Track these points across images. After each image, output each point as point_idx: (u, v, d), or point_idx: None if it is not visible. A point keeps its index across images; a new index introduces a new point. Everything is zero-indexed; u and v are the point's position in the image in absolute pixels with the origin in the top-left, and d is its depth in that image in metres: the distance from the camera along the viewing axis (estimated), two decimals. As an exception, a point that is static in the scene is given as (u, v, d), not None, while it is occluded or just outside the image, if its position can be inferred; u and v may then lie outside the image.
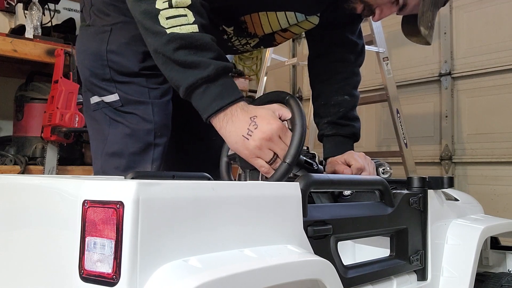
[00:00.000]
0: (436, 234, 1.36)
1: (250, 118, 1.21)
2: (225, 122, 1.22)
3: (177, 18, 1.23)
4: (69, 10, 3.54)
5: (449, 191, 1.55)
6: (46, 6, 3.04)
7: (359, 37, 1.84)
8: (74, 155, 3.00)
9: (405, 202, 1.27)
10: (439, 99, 3.65)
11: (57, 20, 3.26)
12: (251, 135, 1.20)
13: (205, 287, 0.70)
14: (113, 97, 1.55)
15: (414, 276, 1.30)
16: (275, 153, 1.19)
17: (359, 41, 1.84)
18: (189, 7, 1.25)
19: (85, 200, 0.73)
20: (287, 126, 1.21)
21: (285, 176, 1.16)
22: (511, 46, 3.29)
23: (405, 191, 1.30)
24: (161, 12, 1.24)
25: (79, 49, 1.66)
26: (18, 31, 2.89)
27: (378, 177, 1.33)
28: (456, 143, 3.55)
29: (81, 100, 2.86)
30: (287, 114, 1.23)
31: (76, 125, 2.72)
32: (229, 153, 1.35)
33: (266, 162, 1.20)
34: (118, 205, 0.69)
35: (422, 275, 1.31)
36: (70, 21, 3.35)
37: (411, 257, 1.27)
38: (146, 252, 0.70)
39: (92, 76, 1.58)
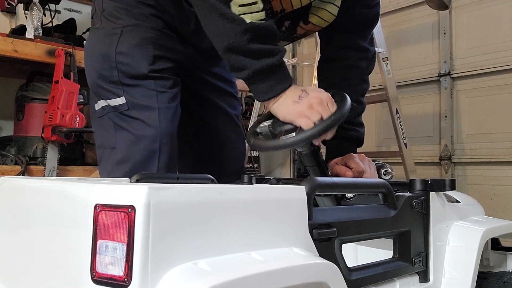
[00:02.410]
0: (438, 236, 1.37)
1: (301, 90, 1.34)
2: (279, 98, 1.34)
3: (249, 6, 1.27)
4: (70, 11, 3.54)
5: (450, 192, 1.55)
6: (47, 7, 3.05)
7: (371, 43, 1.82)
8: (74, 155, 3.01)
9: (407, 204, 1.28)
10: (438, 99, 3.66)
11: (58, 20, 3.27)
12: (302, 100, 1.31)
13: (215, 290, 0.71)
14: (119, 101, 1.54)
15: (416, 278, 1.31)
16: (321, 117, 1.29)
17: (371, 48, 1.81)
18: None
19: (96, 204, 0.74)
20: None
21: (328, 129, 1.29)
22: (511, 46, 3.30)
23: (408, 194, 1.31)
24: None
25: (88, 51, 1.66)
26: (18, 32, 2.90)
27: (381, 180, 1.34)
28: (455, 143, 3.56)
29: (82, 100, 2.87)
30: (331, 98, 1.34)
31: (77, 125, 2.73)
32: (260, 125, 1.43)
33: (312, 121, 1.29)
34: (129, 209, 0.70)
35: (424, 276, 1.32)
36: (71, 21, 3.36)
37: (413, 259, 1.28)
38: (157, 255, 0.71)
39: (100, 78, 1.58)
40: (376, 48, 3.27)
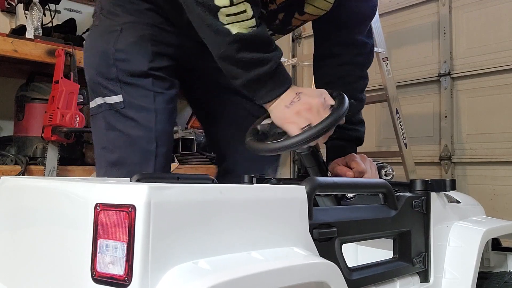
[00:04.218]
0: (438, 236, 1.36)
1: (296, 93, 1.32)
2: (273, 103, 1.33)
3: (237, 15, 1.25)
4: (70, 11, 3.55)
5: (450, 193, 1.55)
6: (47, 7, 3.04)
7: (368, 36, 1.76)
8: (74, 155, 3.01)
9: (408, 204, 1.28)
10: (438, 99, 3.66)
11: (58, 20, 3.27)
12: (292, 105, 1.29)
13: (215, 289, 0.71)
14: (116, 98, 1.54)
15: (416, 278, 1.30)
16: (309, 124, 1.27)
17: (369, 41, 1.76)
18: (248, 0, 1.26)
19: (97, 204, 0.74)
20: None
21: (310, 139, 1.26)
22: (511, 46, 3.31)
23: (408, 194, 1.31)
24: (221, 9, 1.24)
25: (87, 48, 1.67)
26: (18, 32, 2.89)
27: (382, 180, 1.34)
28: (455, 143, 3.57)
29: (82, 100, 2.87)
30: (330, 100, 1.33)
31: (77, 125, 2.72)
32: (262, 123, 1.43)
33: (299, 128, 1.28)
34: (130, 209, 0.70)
35: (424, 277, 1.32)
36: (71, 21, 3.36)
37: (414, 259, 1.28)
38: (157, 254, 0.71)
39: (98, 75, 1.58)
40: (376, 48, 3.29)
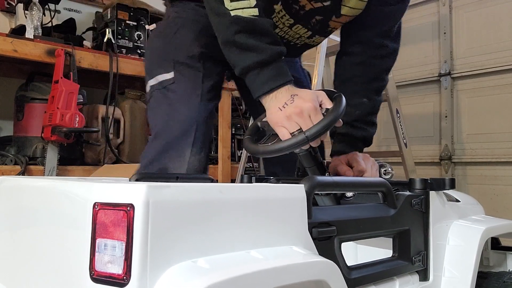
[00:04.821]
0: (437, 235, 1.37)
1: (291, 95, 1.32)
2: (269, 99, 1.33)
3: (239, 1, 1.31)
4: (70, 10, 3.55)
5: (450, 192, 1.55)
6: (47, 6, 3.04)
7: (392, 40, 1.74)
8: (74, 155, 3.00)
9: (407, 203, 1.28)
10: (438, 99, 3.66)
11: (58, 20, 3.27)
12: (284, 108, 1.30)
13: (214, 288, 0.71)
14: (168, 76, 1.63)
15: (416, 277, 1.31)
16: (300, 128, 1.27)
17: (391, 45, 1.74)
18: None
19: (95, 203, 0.74)
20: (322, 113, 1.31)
21: (297, 146, 1.27)
22: (511, 46, 3.31)
23: (407, 193, 1.31)
24: None
25: (150, 37, 1.87)
26: (18, 31, 2.89)
27: (381, 179, 1.33)
28: (455, 143, 3.57)
29: (81, 100, 2.87)
30: (327, 103, 1.32)
31: (77, 125, 2.72)
32: (263, 119, 1.43)
33: (289, 132, 1.28)
34: (128, 208, 0.70)
35: (424, 275, 1.32)
36: (71, 21, 3.36)
37: (413, 257, 1.28)
38: (156, 253, 0.71)
39: (155, 56, 1.71)
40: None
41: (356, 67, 1.71)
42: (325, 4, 1.57)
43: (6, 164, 2.68)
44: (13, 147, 2.88)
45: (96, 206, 0.74)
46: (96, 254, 0.73)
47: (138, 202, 0.70)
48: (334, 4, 1.58)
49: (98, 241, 0.73)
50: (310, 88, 2.04)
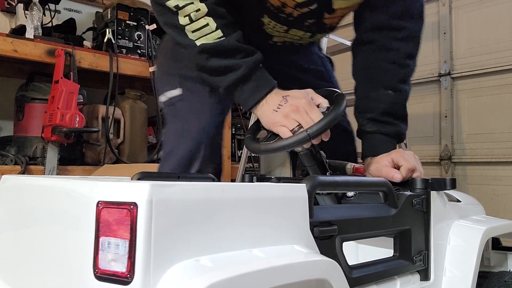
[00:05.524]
0: (438, 235, 1.37)
1: (283, 97, 1.34)
2: (260, 106, 1.36)
3: (201, 30, 1.34)
4: (70, 11, 3.55)
5: (451, 192, 1.56)
6: (47, 7, 3.04)
7: (412, 20, 1.58)
8: (74, 155, 3.00)
9: (408, 203, 1.28)
10: (438, 99, 3.66)
11: (58, 20, 3.27)
12: (280, 108, 1.32)
13: (216, 286, 0.71)
14: (176, 92, 1.62)
15: (417, 276, 1.31)
16: (299, 124, 1.29)
17: (408, 25, 1.56)
18: (207, 14, 1.33)
19: (99, 201, 0.75)
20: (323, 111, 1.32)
21: (299, 143, 1.28)
22: (511, 46, 3.30)
23: (408, 193, 1.31)
24: (185, 27, 1.34)
25: (159, 51, 1.87)
26: (18, 31, 2.89)
27: (382, 178, 1.34)
28: (455, 143, 3.57)
29: (82, 100, 2.87)
30: (318, 99, 1.34)
31: (77, 125, 2.72)
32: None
33: (289, 130, 1.29)
34: (132, 206, 0.71)
35: (425, 275, 1.32)
36: (71, 21, 3.36)
37: (414, 257, 1.28)
38: (159, 252, 0.71)
39: (163, 72, 1.71)
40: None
41: (374, 54, 1.57)
42: (312, 8, 1.50)
43: (6, 164, 2.68)
44: (13, 147, 2.88)
45: (99, 205, 0.74)
46: (100, 252, 0.73)
47: (142, 201, 0.71)
48: (322, 4, 1.50)
49: (101, 239, 0.74)
50: (332, 76, 1.95)
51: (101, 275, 0.73)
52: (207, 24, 1.33)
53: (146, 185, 0.71)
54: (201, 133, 1.56)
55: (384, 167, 1.42)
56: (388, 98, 1.54)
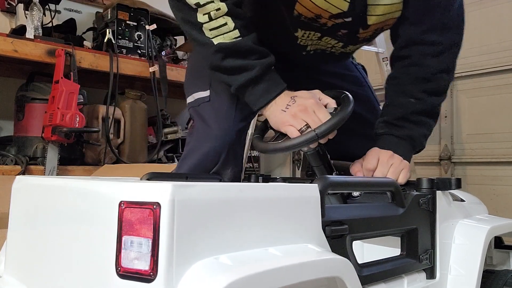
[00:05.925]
0: (444, 234, 1.38)
1: (291, 97, 1.36)
2: (269, 107, 1.38)
3: (219, 28, 1.34)
4: (70, 11, 3.54)
5: (454, 191, 1.57)
6: (47, 7, 3.04)
7: (449, 32, 1.53)
8: (74, 155, 3.00)
9: (415, 203, 1.30)
10: (438, 99, 3.66)
11: (58, 20, 3.27)
12: (288, 108, 1.34)
13: (236, 284, 0.73)
14: (204, 94, 1.61)
15: (423, 275, 1.32)
16: (307, 124, 1.30)
17: (440, 39, 1.52)
18: (227, 14, 1.34)
19: (121, 201, 0.76)
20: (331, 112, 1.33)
21: (307, 143, 1.29)
22: (511, 46, 3.32)
23: (415, 192, 1.33)
24: (204, 25, 1.34)
25: (192, 51, 1.88)
26: (18, 32, 2.89)
27: (390, 178, 1.35)
28: (455, 143, 3.58)
29: (82, 100, 2.88)
30: (326, 100, 1.36)
31: (77, 125, 2.72)
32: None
33: (297, 130, 1.31)
34: (155, 206, 0.72)
35: (431, 273, 1.34)
36: (71, 21, 3.36)
37: (420, 256, 1.29)
38: (181, 250, 0.73)
39: (193, 73, 1.71)
40: (376, 48, 3.30)
41: (405, 69, 1.57)
42: (347, 20, 1.50)
43: (6, 164, 2.69)
44: (13, 147, 2.88)
45: (122, 205, 0.76)
46: (122, 251, 0.75)
47: (165, 201, 0.72)
48: (357, 18, 1.49)
49: (124, 238, 0.75)
50: (367, 82, 1.94)
51: (124, 273, 0.74)
52: (226, 24, 1.34)
53: (168, 185, 0.73)
54: (222, 137, 1.55)
55: (355, 163, 1.51)
56: (408, 104, 1.54)
